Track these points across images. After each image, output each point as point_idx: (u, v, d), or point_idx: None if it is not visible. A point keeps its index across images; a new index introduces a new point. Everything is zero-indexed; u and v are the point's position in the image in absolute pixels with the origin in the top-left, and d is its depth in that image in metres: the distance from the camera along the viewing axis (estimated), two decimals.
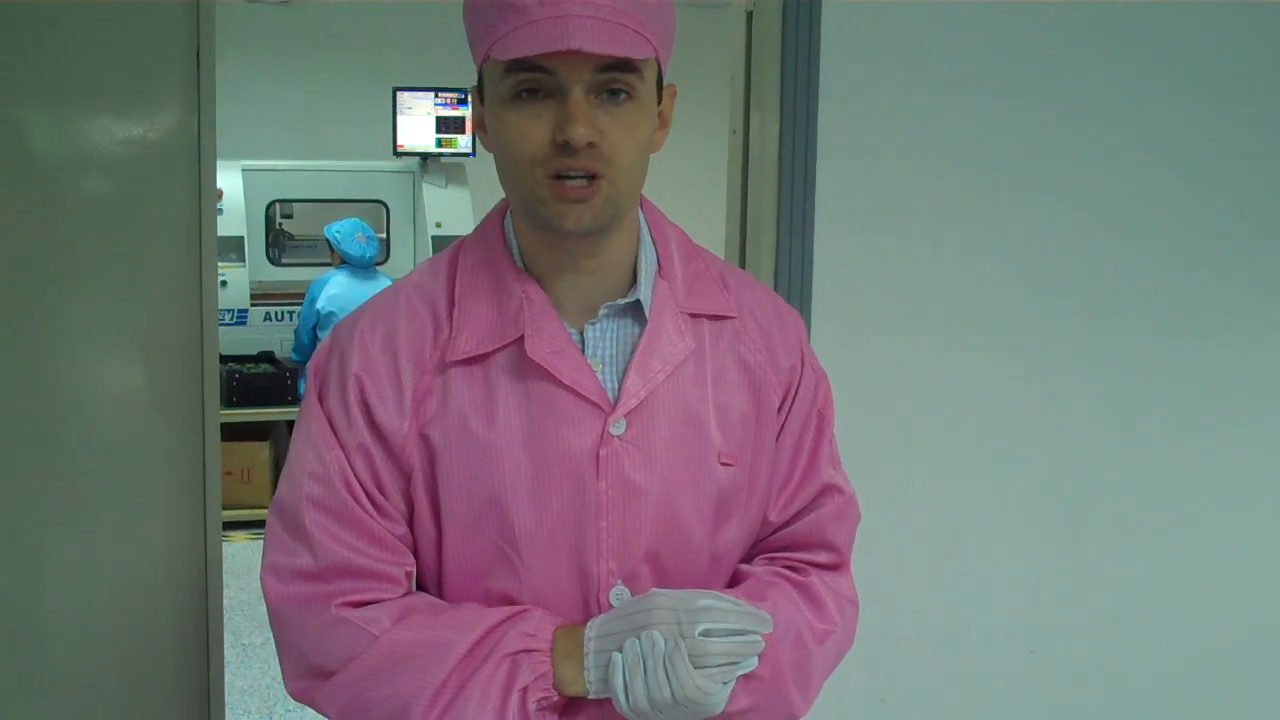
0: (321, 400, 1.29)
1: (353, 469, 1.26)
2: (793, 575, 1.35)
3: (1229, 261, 2.69)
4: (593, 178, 1.20)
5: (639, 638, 1.18)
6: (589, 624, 1.23)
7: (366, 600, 1.24)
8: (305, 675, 1.26)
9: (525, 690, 1.19)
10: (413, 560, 1.29)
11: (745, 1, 2.54)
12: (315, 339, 6.14)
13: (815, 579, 1.36)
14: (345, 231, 6.17)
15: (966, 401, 2.59)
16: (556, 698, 1.21)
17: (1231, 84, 2.64)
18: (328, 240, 6.22)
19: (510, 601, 1.26)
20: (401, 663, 1.21)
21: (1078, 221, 2.59)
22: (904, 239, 2.51)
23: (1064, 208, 2.58)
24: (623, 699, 1.18)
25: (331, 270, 6.21)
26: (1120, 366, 2.65)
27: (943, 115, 2.50)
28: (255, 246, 6.75)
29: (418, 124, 6.88)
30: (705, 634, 1.17)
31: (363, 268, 6.18)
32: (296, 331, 6.33)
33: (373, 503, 1.26)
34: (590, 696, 1.21)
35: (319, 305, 6.07)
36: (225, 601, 2.51)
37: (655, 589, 1.23)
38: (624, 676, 1.18)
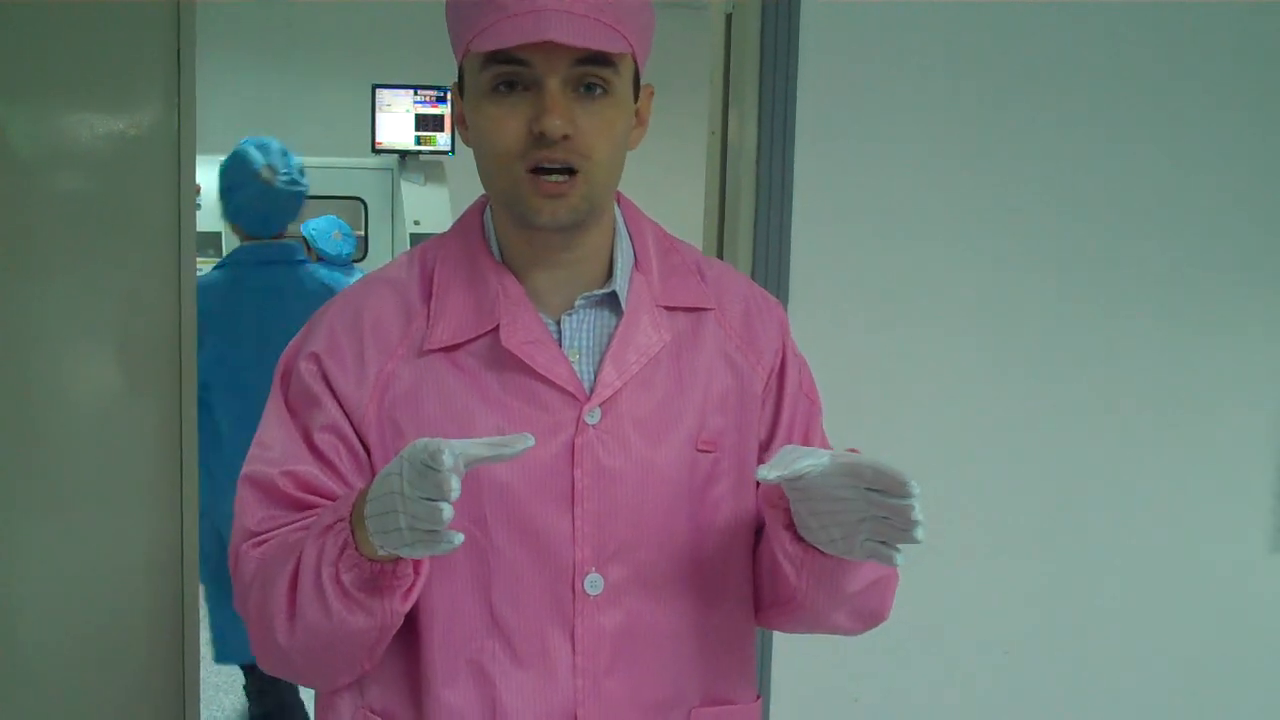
0: (285, 390, 1.32)
1: (316, 452, 1.28)
2: None
3: (1217, 254, 2.70)
4: (570, 172, 1.22)
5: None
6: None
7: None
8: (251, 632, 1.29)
9: (336, 567, 1.17)
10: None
11: (724, 3, 2.55)
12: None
13: None
14: (321, 229, 6.14)
15: (944, 400, 2.60)
16: (368, 568, 1.16)
17: (1214, 73, 2.66)
18: (303, 238, 6.20)
19: (486, 589, 1.27)
20: (269, 576, 1.24)
21: (1056, 218, 2.61)
22: (882, 239, 2.53)
23: (1042, 203, 2.60)
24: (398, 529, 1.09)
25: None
26: (1099, 363, 2.67)
27: (920, 115, 2.52)
28: (232, 242, 6.73)
29: (397, 121, 6.86)
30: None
31: (340, 265, 6.15)
32: None
33: (338, 475, 1.27)
34: (383, 554, 1.15)
35: None
36: (201, 594, 2.51)
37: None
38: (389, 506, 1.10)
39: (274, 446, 1.29)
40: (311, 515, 1.26)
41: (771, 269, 2.45)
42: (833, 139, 2.47)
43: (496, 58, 1.21)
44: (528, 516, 1.26)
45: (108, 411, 2.41)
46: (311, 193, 6.91)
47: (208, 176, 6.61)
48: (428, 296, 1.31)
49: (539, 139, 1.20)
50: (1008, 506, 2.67)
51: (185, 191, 2.42)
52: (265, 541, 1.26)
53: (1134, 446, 2.72)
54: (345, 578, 1.16)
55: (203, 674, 2.61)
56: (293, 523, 1.27)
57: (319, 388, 1.29)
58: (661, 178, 6.76)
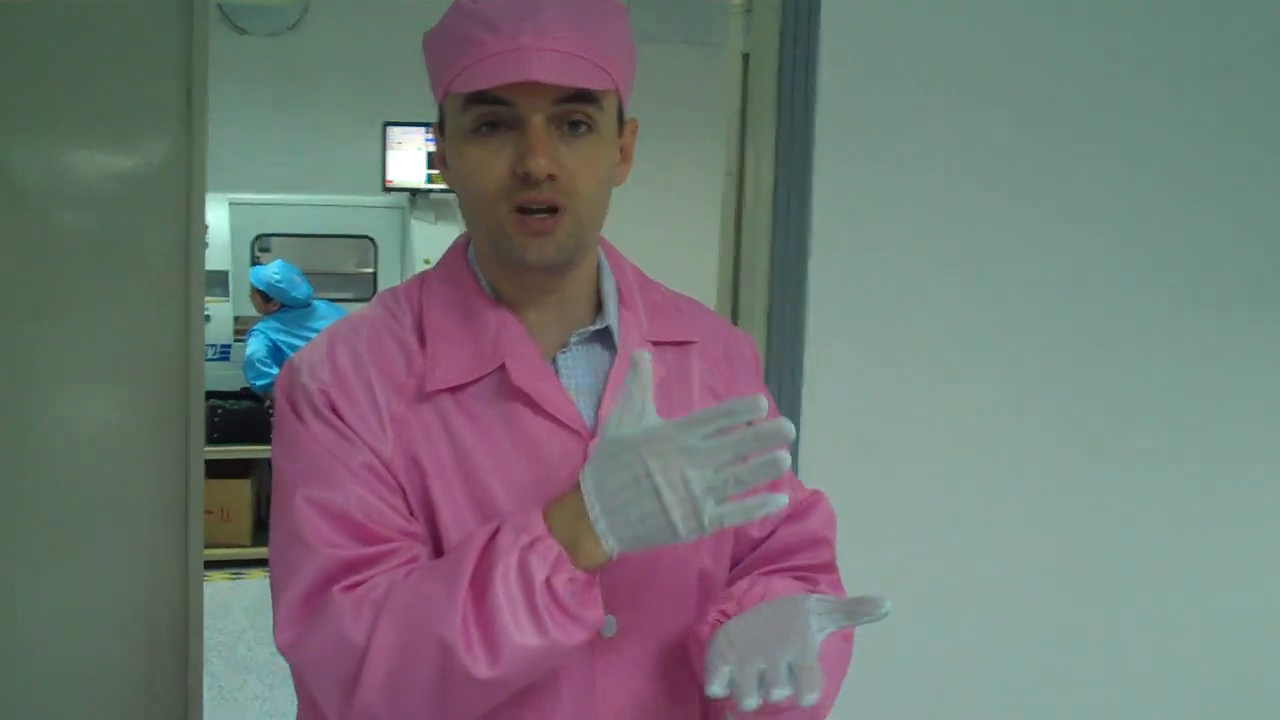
0: (305, 426, 1.25)
1: (360, 483, 1.21)
2: (808, 585, 1.36)
3: (1237, 284, 2.68)
4: (554, 210, 1.21)
5: (656, 473, 1.11)
6: (581, 486, 1.15)
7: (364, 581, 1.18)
8: (341, 693, 1.15)
9: (549, 582, 1.12)
10: (420, 548, 1.22)
11: (741, 43, 2.54)
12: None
13: (825, 584, 1.39)
14: (283, 273, 6.07)
15: (961, 438, 2.57)
16: (584, 576, 1.13)
17: (1251, 96, 2.63)
18: (261, 290, 6.08)
19: None
20: (416, 613, 1.13)
21: (1078, 257, 2.59)
22: (899, 278, 2.51)
23: (1065, 241, 2.58)
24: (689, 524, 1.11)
25: (262, 320, 6.11)
26: (1121, 390, 2.64)
27: (939, 157, 2.50)
28: (239, 281, 6.72)
29: (408, 159, 6.88)
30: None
31: (300, 307, 6.12)
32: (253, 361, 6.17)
33: (390, 508, 1.21)
34: (614, 557, 1.14)
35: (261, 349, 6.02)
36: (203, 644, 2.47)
37: (619, 433, 1.14)
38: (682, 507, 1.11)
39: (333, 484, 1.21)
40: (393, 547, 1.19)
41: (788, 310, 2.43)
42: (851, 179, 2.45)
43: (478, 98, 1.20)
44: None
45: (112, 452, 2.39)
46: (321, 231, 6.96)
47: (217, 215, 6.63)
48: (422, 340, 1.29)
49: (524, 179, 1.19)
50: (1033, 534, 2.62)
51: (195, 230, 2.40)
52: (360, 583, 1.17)
53: (1162, 470, 2.68)
54: (564, 592, 1.12)
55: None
56: (390, 557, 1.19)
57: (345, 428, 1.23)
58: (675, 217, 6.76)
